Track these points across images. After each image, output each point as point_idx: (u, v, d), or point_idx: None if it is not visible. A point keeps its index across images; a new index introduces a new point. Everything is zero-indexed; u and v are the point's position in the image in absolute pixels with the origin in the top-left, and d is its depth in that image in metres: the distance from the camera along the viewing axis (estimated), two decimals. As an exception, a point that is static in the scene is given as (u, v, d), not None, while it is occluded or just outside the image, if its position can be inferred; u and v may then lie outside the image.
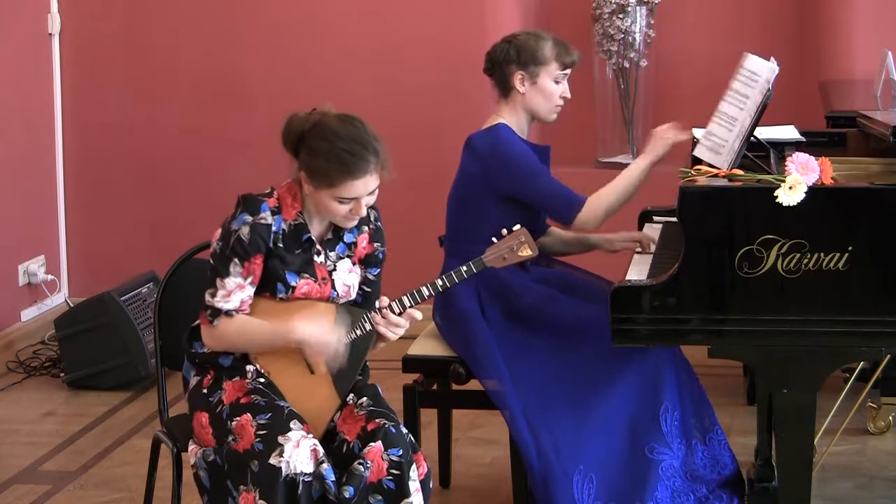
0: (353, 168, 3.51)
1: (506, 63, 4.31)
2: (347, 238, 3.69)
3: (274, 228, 3.57)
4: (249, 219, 3.56)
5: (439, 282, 3.63)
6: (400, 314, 3.61)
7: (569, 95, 4.36)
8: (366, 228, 3.72)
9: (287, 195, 3.61)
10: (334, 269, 3.67)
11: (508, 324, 4.24)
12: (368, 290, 3.76)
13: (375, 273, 3.76)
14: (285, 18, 6.40)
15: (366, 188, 3.54)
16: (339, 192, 3.52)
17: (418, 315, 3.62)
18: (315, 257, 3.63)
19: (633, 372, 4.13)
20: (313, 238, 3.63)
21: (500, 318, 4.25)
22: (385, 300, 3.62)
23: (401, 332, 3.62)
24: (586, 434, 4.05)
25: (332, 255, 3.67)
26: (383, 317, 3.59)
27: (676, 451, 4.13)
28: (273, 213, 3.58)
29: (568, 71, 4.33)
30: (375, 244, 3.74)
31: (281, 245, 3.58)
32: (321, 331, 3.54)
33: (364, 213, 3.58)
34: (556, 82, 4.31)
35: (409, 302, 3.61)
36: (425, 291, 3.62)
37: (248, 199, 3.59)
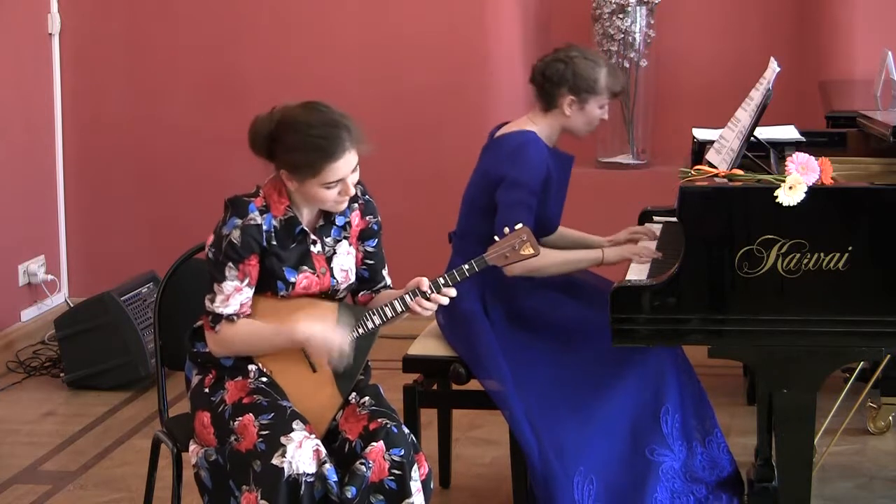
0: (331, 150, 3.51)
1: (559, 84, 4.27)
2: (339, 221, 3.69)
3: (265, 227, 3.57)
4: (239, 221, 3.56)
5: (441, 280, 3.63)
6: (402, 312, 3.61)
7: (606, 117, 4.37)
8: (356, 205, 3.72)
9: (273, 192, 3.62)
10: (334, 254, 3.67)
11: (511, 325, 4.24)
12: (371, 262, 3.76)
13: (374, 244, 3.76)
14: (285, 19, 6.40)
15: (348, 167, 3.54)
16: (325, 178, 3.52)
17: (425, 312, 3.63)
18: (311, 247, 3.63)
19: (635, 373, 4.13)
20: (306, 229, 3.63)
21: (503, 319, 4.25)
22: (425, 281, 3.60)
23: (429, 313, 3.63)
24: (588, 435, 4.05)
25: (329, 240, 3.67)
26: (414, 303, 3.60)
27: (677, 453, 4.13)
28: (262, 213, 3.58)
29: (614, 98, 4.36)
30: (368, 217, 3.75)
31: (275, 242, 3.58)
32: (325, 329, 3.55)
33: (352, 192, 3.58)
34: (600, 107, 4.31)
35: (413, 300, 3.61)
36: (428, 291, 3.62)
37: (235, 202, 3.59)
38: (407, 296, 3.61)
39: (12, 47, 6.27)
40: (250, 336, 3.58)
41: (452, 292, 3.63)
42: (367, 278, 3.77)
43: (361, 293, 3.78)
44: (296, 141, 3.52)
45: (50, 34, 6.52)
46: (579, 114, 4.29)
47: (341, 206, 3.62)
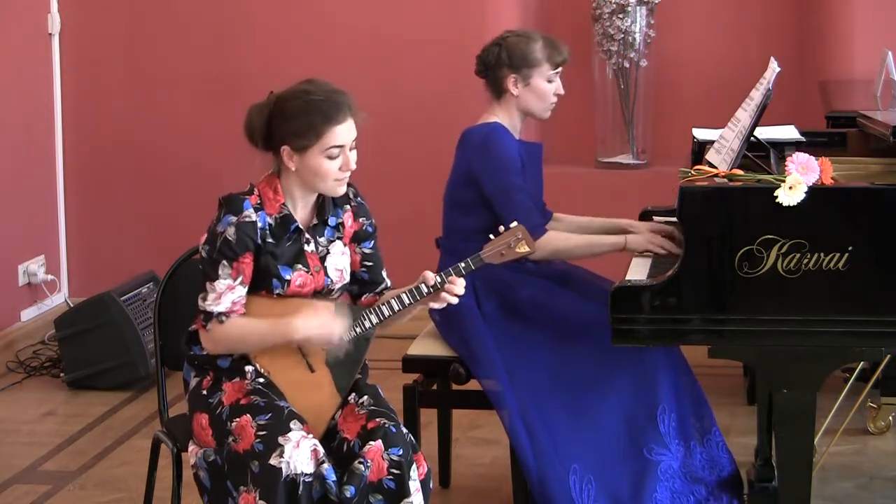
0: (334, 113, 3.54)
1: (497, 66, 4.32)
2: (332, 221, 3.69)
3: (260, 224, 3.57)
4: (234, 219, 3.56)
5: (437, 279, 3.62)
6: (400, 311, 3.61)
7: (562, 92, 4.37)
8: (348, 207, 3.73)
9: (267, 189, 3.62)
10: (327, 254, 3.67)
11: (506, 319, 4.25)
12: (370, 263, 3.76)
13: (370, 246, 3.77)
14: (285, 18, 6.40)
15: (350, 133, 3.57)
16: (328, 142, 3.54)
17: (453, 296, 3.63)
18: (305, 246, 3.63)
19: (629, 372, 4.13)
20: (301, 226, 3.63)
21: (498, 312, 4.25)
22: (431, 277, 3.60)
23: (441, 305, 3.63)
24: (581, 432, 4.06)
25: (322, 240, 3.67)
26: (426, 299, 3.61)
27: (675, 452, 4.13)
28: (256, 210, 3.58)
29: (560, 69, 4.34)
30: (361, 219, 3.75)
31: (270, 240, 3.58)
32: (321, 324, 3.54)
33: (354, 165, 3.59)
34: (549, 81, 4.32)
35: (409, 299, 3.61)
36: (423, 289, 3.62)
37: (229, 199, 3.60)
38: (404, 294, 3.61)
39: (12, 47, 6.27)
40: (244, 334, 3.57)
41: (461, 284, 3.61)
42: (367, 280, 3.77)
43: (364, 296, 3.78)
44: (297, 107, 3.54)
45: (50, 34, 6.52)
46: (527, 91, 4.31)
47: (342, 186, 3.62)
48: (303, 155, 3.56)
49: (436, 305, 3.65)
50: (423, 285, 3.62)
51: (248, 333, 3.57)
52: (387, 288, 3.79)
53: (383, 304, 3.61)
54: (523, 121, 4.39)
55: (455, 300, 3.63)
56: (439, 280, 3.60)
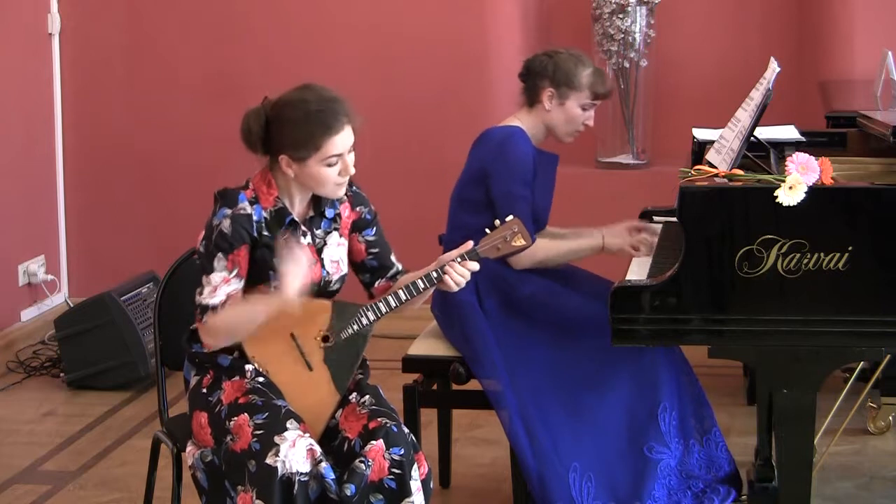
0: (333, 123, 3.54)
1: (540, 76, 4.31)
2: (329, 213, 3.69)
3: (255, 217, 3.57)
4: (229, 211, 3.56)
5: (434, 274, 3.62)
6: (398, 307, 3.61)
7: (591, 124, 4.38)
8: (344, 198, 3.73)
9: (262, 183, 3.62)
10: (324, 245, 3.67)
11: (507, 315, 4.25)
12: (376, 250, 3.76)
13: (373, 233, 3.76)
14: (285, 19, 6.40)
15: (348, 141, 3.57)
16: (327, 152, 3.53)
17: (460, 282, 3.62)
18: (301, 238, 3.63)
19: (630, 371, 4.14)
20: (297, 219, 3.63)
21: (499, 309, 4.25)
22: (466, 247, 3.60)
23: (456, 288, 3.62)
24: (581, 431, 4.07)
25: (319, 232, 3.67)
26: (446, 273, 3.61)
27: (674, 451, 4.14)
28: (251, 203, 3.58)
29: (598, 102, 4.35)
30: (358, 208, 3.75)
31: (266, 233, 3.58)
32: (294, 277, 3.49)
33: (352, 171, 3.59)
34: (584, 109, 4.32)
35: (406, 295, 3.61)
36: (420, 284, 3.61)
37: (224, 193, 3.60)
38: (401, 291, 3.60)
39: (12, 47, 6.27)
40: (235, 313, 3.53)
41: (472, 267, 3.61)
42: (377, 266, 3.77)
43: (378, 283, 3.78)
44: (297, 117, 3.54)
45: (50, 34, 6.52)
46: (559, 109, 4.31)
47: (341, 190, 3.62)
48: (301, 164, 3.56)
49: (453, 287, 3.64)
50: (419, 281, 3.60)
51: (240, 312, 3.53)
52: (398, 272, 3.79)
53: (381, 300, 3.61)
54: (546, 136, 4.39)
55: (463, 281, 3.61)
56: (425, 279, 3.60)
